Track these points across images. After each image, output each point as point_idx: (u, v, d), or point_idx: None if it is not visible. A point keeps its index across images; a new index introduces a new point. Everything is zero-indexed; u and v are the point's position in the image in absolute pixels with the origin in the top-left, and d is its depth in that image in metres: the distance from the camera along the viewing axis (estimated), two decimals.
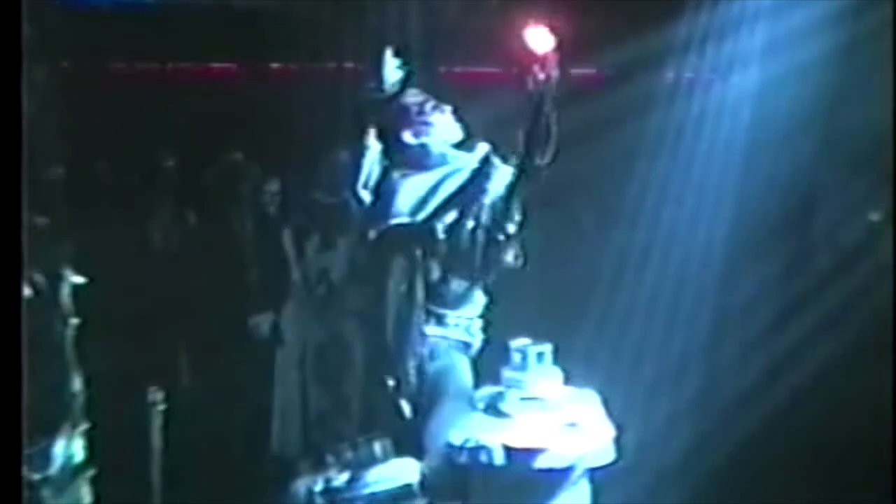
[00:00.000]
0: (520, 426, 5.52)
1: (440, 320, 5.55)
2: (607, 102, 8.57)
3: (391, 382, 5.59)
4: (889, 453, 7.08)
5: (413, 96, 5.74)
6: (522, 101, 8.13)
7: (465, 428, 5.41)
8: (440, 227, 5.53)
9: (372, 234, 5.62)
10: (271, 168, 8.29)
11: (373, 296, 5.62)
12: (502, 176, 5.56)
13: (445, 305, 5.56)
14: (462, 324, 5.59)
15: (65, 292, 6.08)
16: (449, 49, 8.94)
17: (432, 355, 5.54)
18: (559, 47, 5.43)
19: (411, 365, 5.53)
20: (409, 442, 5.55)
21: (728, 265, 8.34)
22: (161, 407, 6.64)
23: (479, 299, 5.63)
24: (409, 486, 5.42)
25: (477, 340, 5.68)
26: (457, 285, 5.56)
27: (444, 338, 5.56)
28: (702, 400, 7.91)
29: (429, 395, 5.52)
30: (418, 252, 5.55)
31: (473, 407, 5.53)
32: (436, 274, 5.55)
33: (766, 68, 8.39)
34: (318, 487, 5.48)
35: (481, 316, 5.67)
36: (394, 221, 5.56)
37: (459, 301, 5.58)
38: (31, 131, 5.75)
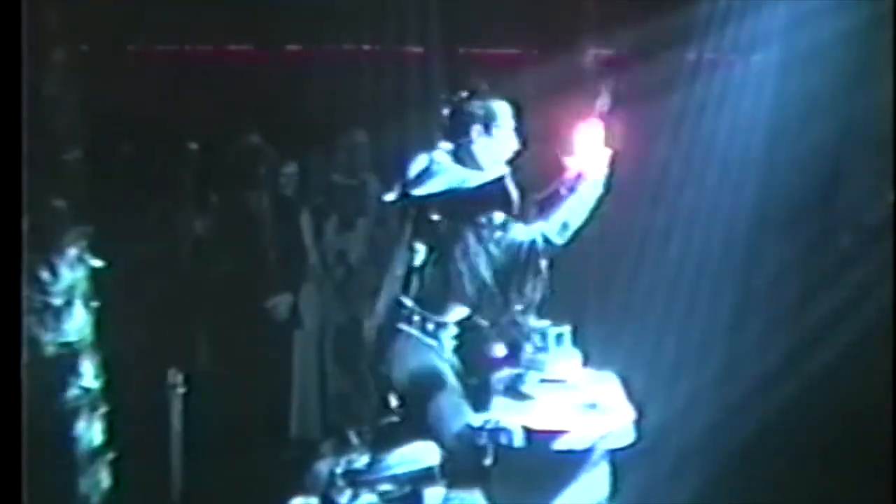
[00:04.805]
0: (540, 408, 5.51)
1: (409, 317, 5.46)
2: (628, 83, 8.52)
3: (366, 373, 5.56)
4: None
5: (479, 108, 5.63)
6: (541, 82, 8.15)
7: (462, 415, 5.37)
8: (432, 219, 5.48)
9: (388, 196, 5.56)
10: (289, 150, 8.27)
11: (371, 281, 5.58)
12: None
13: (417, 301, 5.46)
14: (428, 327, 5.45)
15: (84, 275, 6.10)
16: (469, 30, 8.91)
17: (405, 351, 5.47)
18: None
19: (385, 358, 5.48)
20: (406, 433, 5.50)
21: (750, 246, 8.31)
22: (181, 390, 6.66)
23: (458, 308, 5.49)
24: (430, 468, 5.41)
25: (444, 347, 5.51)
26: (434, 282, 5.44)
27: (413, 335, 5.47)
28: (723, 381, 7.89)
29: (412, 391, 5.44)
30: (405, 238, 5.50)
31: (468, 398, 5.45)
32: (414, 263, 5.49)
33: (787, 48, 8.34)
34: (340, 469, 5.48)
35: (458, 324, 5.50)
36: (397, 195, 5.51)
37: (433, 301, 5.46)
38: (51, 114, 5.78)
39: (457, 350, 5.54)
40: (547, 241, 5.42)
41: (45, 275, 5.94)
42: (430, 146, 5.57)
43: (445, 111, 5.60)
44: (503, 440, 5.31)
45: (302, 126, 8.54)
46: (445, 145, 5.55)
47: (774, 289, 8.38)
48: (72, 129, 6.03)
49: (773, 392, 7.76)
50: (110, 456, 6.18)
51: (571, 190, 5.50)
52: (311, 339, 8.01)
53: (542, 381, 5.72)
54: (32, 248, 5.68)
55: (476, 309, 5.43)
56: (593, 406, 5.52)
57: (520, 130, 5.60)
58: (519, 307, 5.42)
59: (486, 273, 5.36)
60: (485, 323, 5.45)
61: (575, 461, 5.34)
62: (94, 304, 6.14)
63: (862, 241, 8.28)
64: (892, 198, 8.27)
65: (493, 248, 5.38)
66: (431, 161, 5.49)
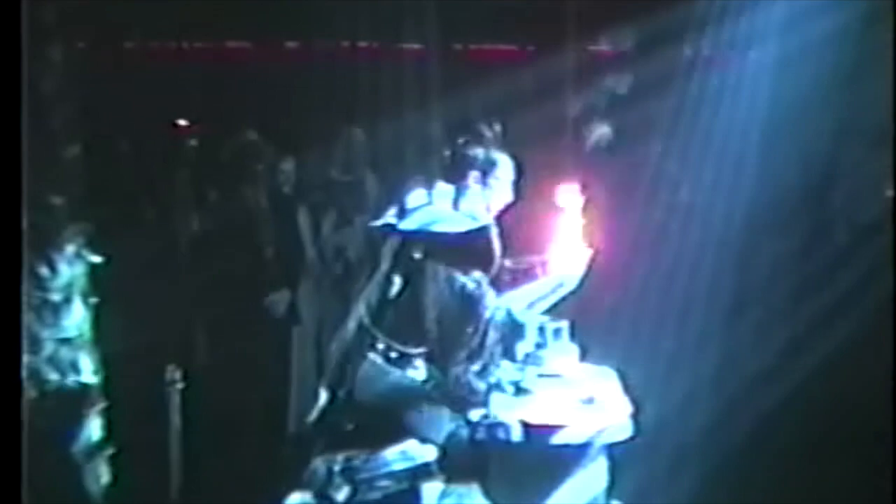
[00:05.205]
0: (538, 403, 5.53)
1: (373, 344, 5.46)
2: (623, 79, 8.55)
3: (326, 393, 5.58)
4: None
5: (479, 155, 5.63)
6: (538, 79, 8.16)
7: (444, 422, 5.39)
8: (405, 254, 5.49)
9: (375, 223, 5.63)
10: (286, 147, 8.28)
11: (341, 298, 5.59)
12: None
13: (385, 330, 5.47)
14: (392, 355, 5.45)
15: (83, 272, 6.10)
16: (466, 27, 8.93)
17: (370, 375, 5.47)
18: None
19: (347, 381, 5.48)
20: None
21: (746, 241, 8.31)
22: (179, 385, 6.67)
23: (421, 345, 5.47)
24: (427, 464, 5.42)
25: (418, 373, 5.47)
26: (404, 316, 5.45)
27: (377, 363, 5.46)
28: (720, 376, 7.89)
29: (384, 409, 5.44)
30: (384, 268, 5.51)
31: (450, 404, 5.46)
32: (386, 292, 5.49)
33: (783, 44, 8.34)
34: (337, 466, 5.48)
35: (424, 353, 5.46)
36: (383, 224, 5.56)
37: (401, 332, 5.46)
38: (49, 111, 5.78)
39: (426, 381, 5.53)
40: (510, 315, 5.46)
41: (43, 271, 5.94)
42: (427, 173, 5.62)
43: (446, 152, 5.63)
44: (501, 435, 5.33)
45: (299, 122, 8.55)
46: (442, 186, 5.58)
47: (771, 285, 8.38)
48: (70, 126, 6.03)
49: (770, 387, 7.76)
50: (109, 451, 6.17)
51: (546, 273, 5.60)
52: (309, 335, 8.01)
53: (540, 375, 5.75)
54: (31, 245, 5.68)
55: (435, 353, 5.44)
56: (591, 401, 5.54)
57: (517, 184, 5.63)
58: (475, 367, 5.42)
59: (450, 324, 5.38)
60: (439, 372, 5.44)
61: (573, 456, 5.36)
62: (93, 300, 6.14)
63: (859, 238, 8.28)
64: (890, 193, 8.28)
65: (463, 304, 5.39)
66: (424, 198, 5.54)
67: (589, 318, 6.05)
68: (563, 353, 5.88)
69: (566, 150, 8.47)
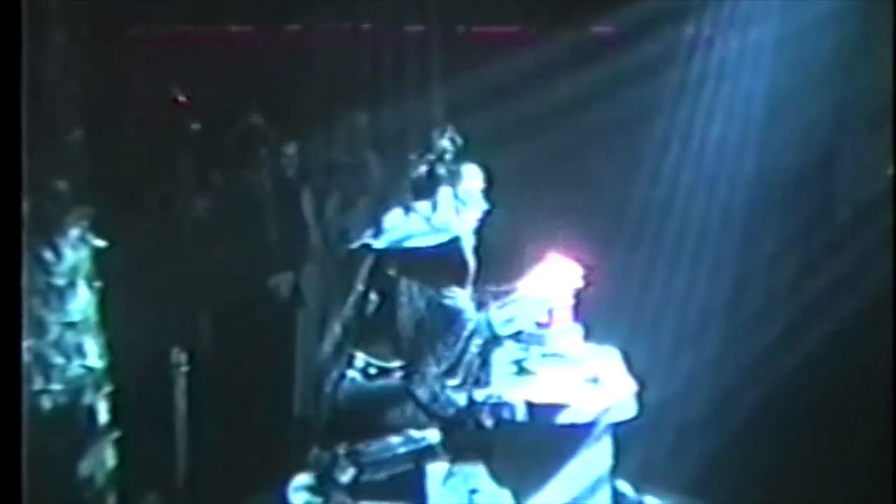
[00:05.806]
0: (542, 382, 5.55)
1: (351, 361, 5.50)
2: (625, 60, 8.54)
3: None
4: None
5: (447, 170, 5.66)
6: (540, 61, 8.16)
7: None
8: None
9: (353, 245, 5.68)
10: (289, 130, 8.28)
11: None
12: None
13: (364, 347, 5.51)
14: (371, 371, 5.49)
15: (87, 256, 6.11)
16: (468, 7, 8.90)
17: (352, 392, 5.49)
18: None
19: (323, 397, 5.53)
20: None
21: (748, 221, 8.32)
22: (184, 369, 6.69)
23: (398, 360, 5.50)
24: (431, 446, 5.44)
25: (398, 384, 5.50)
26: (381, 332, 5.50)
27: (356, 380, 5.49)
28: (723, 355, 7.91)
29: (374, 413, 5.48)
30: (361, 285, 5.57)
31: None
32: (363, 310, 5.54)
33: (784, 24, 8.34)
34: (343, 449, 5.49)
35: (403, 367, 5.48)
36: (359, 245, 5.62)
37: (378, 348, 5.50)
38: (51, 96, 5.78)
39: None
40: (490, 327, 5.46)
41: (48, 255, 5.93)
42: (403, 196, 5.66)
43: (416, 170, 5.66)
44: (506, 415, 5.35)
45: (302, 106, 8.54)
46: (415, 203, 5.60)
47: (773, 264, 8.39)
48: (73, 110, 6.03)
49: (772, 367, 7.78)
50: (115, 435, 6.19)
51: (530, 294, 5.62)
52: (313, 317, 8.02)
53: (545, 355, 5.77)
54: (35, 229, 5.69)
55: (412, 368, 5.46)
56: (595, 380, 5.56)
57: (488, 193, 5.64)
58: (454, 382, 5.43)
59: (427, 339, 5.41)
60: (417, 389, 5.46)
61: (577, 435, 5.39)
62: (98, 284, 6.14)
63: (860, 216, 8.29)
64: (891, 171, 8.28)
65: (441, 318, 5.41)
66: (398, 217, 5.59)
67: (592, 297, 6.07)
68: (568, 333, 5.90)
69: (567, 131, 8.48)
